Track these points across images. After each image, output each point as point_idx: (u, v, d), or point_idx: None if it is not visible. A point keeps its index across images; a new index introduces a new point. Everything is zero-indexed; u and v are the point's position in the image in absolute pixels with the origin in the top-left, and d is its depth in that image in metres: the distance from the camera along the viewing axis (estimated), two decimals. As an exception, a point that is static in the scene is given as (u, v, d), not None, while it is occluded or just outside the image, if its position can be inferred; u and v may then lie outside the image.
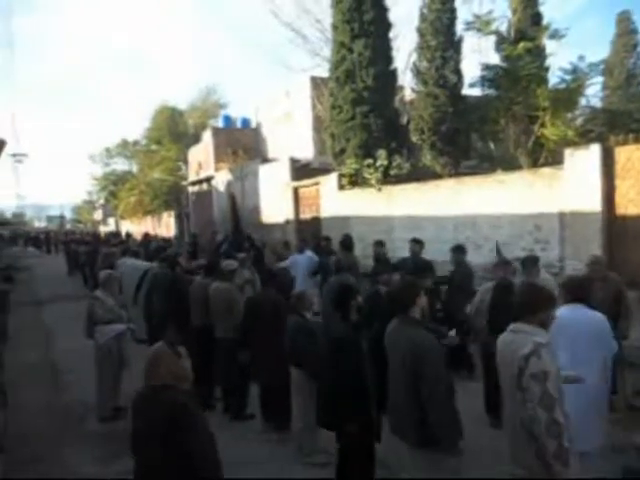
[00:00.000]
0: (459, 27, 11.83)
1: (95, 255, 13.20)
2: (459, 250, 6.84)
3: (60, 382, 7.16)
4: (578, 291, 3.65)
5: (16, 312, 12.41)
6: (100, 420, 5.64)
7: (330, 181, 13.74)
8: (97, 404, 5.76)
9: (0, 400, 6.30)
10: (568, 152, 8.05)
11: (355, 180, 12.76)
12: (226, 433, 4.43)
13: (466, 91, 12.12)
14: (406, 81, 14.78)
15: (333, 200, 13.69)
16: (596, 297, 5.07)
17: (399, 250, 9.71)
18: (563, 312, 3.42)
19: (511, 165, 10.83)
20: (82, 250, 16.93)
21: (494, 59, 11.81)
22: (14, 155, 34.81)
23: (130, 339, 6.16)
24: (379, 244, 7.91)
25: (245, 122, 25.27)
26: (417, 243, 7.56)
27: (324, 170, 14.46)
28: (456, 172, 11.70)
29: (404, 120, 13.55)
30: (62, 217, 79.39)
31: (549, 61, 11.74)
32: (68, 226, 73.57)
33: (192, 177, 27.85)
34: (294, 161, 16.29)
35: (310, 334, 4.41)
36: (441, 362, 3.04)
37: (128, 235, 20.68)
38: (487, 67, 11.57)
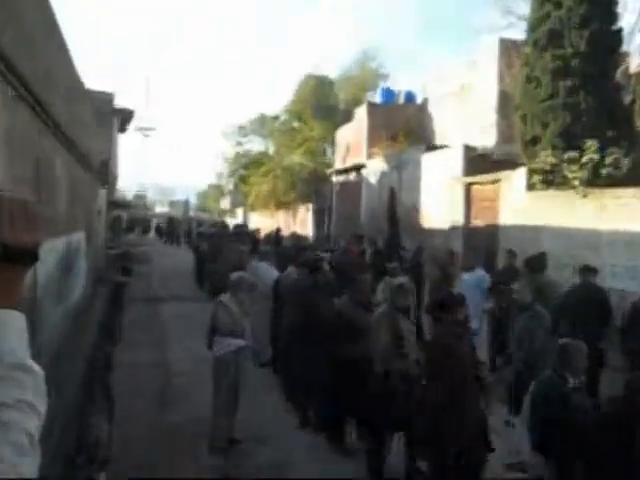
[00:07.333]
0: None
1: (218, 252, 13.92)
2: None
3: (171, 395, 7.81)
4: None
5: (131, 309, 13.87)
6: (210, 450, 6.00)
7: (516, 178, 13.49)
8: (210, 428, 6.15)
9: (107, 408, 7.04)
10: None
11: (551, 179, 12.43)
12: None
13: None
14: (633, 47, 13.89)
15: (518, 203, 13.38)
16: None
17: (609, 278, 9.35)
18: None
19: None
20: (204, 246, 17.99)
21: None
22: (141, 129, 38.81)
23: (249, 358, 6.47)
24: (587, 270, 7.69)
25: (409, 97, 25.47)
26: (589, 271, 7.59)
27: (508, 163, 14.26)
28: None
29: (628, 100, 12.74)
30: (187, 203, 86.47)
31: None
32: (191, 213, 79.85)
33: (338, 164, 28.69)
34: (469, 149, 16.22)
35: None
36: None
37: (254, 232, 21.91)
38: None
